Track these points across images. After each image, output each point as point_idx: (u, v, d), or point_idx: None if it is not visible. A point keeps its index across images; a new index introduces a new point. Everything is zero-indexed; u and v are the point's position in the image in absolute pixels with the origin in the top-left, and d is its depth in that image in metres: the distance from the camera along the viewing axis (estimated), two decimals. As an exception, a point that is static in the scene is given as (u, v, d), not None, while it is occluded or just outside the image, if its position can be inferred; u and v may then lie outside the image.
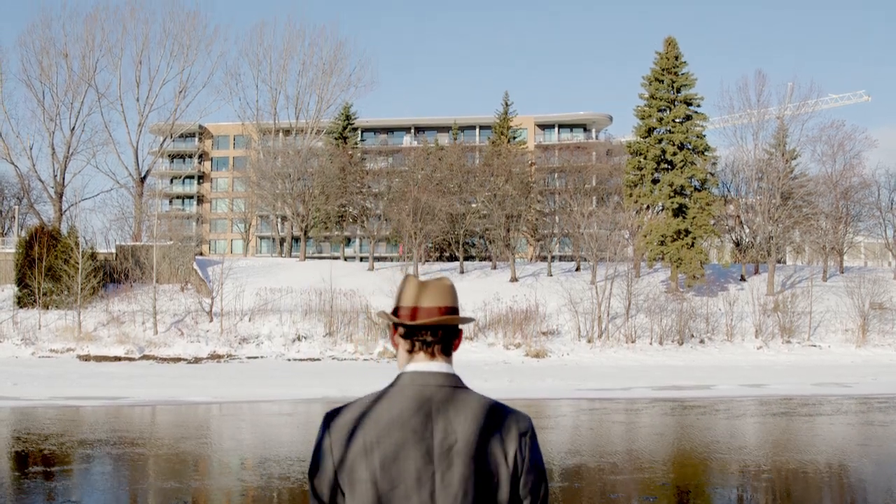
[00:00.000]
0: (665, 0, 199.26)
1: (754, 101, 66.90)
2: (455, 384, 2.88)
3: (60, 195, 71.54)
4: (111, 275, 61.03)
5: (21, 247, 57.73)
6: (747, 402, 31.10)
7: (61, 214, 70.65)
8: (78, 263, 53.95)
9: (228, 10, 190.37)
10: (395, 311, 2.96)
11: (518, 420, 2.85)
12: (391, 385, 2.91)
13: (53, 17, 76.61)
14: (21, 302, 55.66)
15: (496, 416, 2.83)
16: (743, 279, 65.01)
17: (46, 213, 75.50)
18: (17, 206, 79.67)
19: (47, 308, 54.75)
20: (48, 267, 55.32)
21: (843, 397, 32.82)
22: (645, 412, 28.69)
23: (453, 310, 2.93)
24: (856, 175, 67.62)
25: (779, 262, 70.72)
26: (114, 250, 63.20)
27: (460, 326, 3.00)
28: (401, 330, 2.94)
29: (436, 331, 2.90)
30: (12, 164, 72.74)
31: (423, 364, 2.89)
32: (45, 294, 54.99)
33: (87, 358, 48.66)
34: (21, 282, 56.37)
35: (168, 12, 79.55)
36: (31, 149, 74.11)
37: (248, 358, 49.72)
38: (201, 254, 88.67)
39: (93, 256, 57.23)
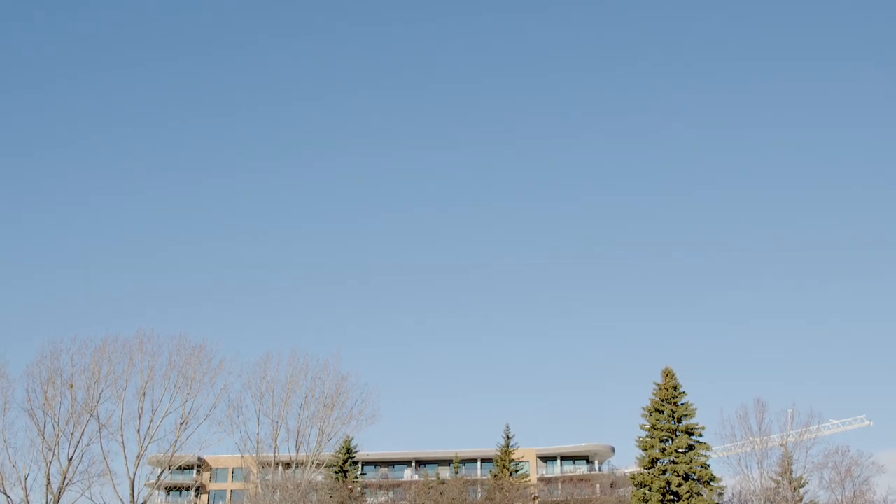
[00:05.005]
0: (661, 330, 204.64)
1: (755, 429, 66.87)
2: None
3: (50, 529, 69.44)
4: None
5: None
6: None
7: (49, 550, 68.16)
8: None
9: (234, 343, 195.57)
10: None
11: None
12: None
13: (63, 348, 78.17)
14: None
15: None
16: None
17: (33, 548, 72.81)
18: (3, 541, 77.00)
19: None
20: None
21: None
22: None
23: None
24: (867, 502, 66.12)
25: None
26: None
27: None
28: None
29: None
30: (5, 494, 71.30)
31: None
32: None
33: None
34: None
35: (175, 345, 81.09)
36: (26, 479, 72.73)
37: None
38: None
39: None
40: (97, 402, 75.69)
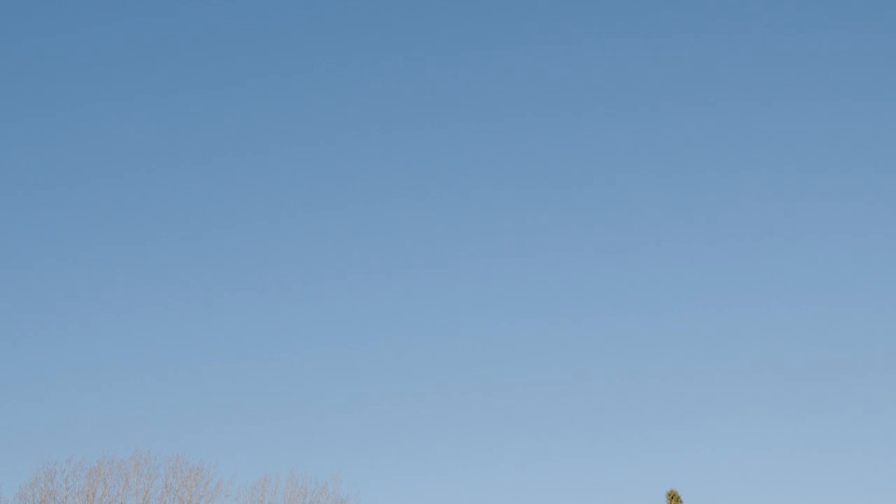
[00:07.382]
0: (665, 449, 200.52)
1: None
2: None
3: None
4: None
5: None
6: None
7: None
8: None
9: (232, 464, 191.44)
10: None
11: None
12: None
13: (57, 470, 76.75)
14: None
15: None
16: None
17: None
18: None
19: None
20: None
21: None
22: None
23: None
24: None
25: None
26: None
27: None
28: None
29: None
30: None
31: None
32: None
33: None
34: None
35: (171, 468, 79.68)
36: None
37: None
38: None
39: None
40: (90, 530, 74.04)
